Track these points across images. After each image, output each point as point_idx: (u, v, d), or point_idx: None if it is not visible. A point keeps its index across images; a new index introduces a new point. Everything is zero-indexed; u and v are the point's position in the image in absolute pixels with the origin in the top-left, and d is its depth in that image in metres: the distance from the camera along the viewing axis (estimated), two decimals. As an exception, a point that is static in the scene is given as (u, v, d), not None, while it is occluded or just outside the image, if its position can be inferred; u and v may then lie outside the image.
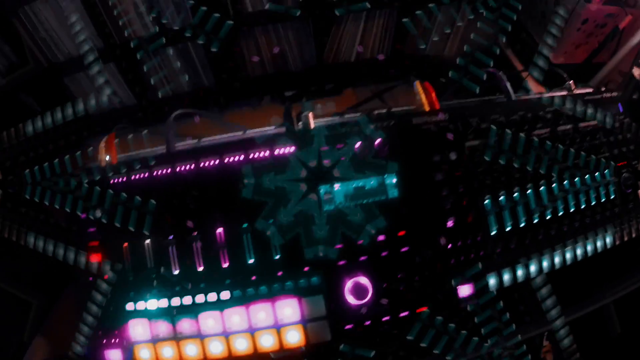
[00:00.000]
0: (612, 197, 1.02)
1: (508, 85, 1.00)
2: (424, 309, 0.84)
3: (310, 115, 0.88)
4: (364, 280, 0.83)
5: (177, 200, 0.83)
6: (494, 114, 0.92)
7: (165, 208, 0.84)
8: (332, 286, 0.82)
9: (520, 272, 0.91)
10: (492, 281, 0.89)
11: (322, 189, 0.83)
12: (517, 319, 0.91)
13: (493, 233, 0.89)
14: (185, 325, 0.83)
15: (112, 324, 0.86)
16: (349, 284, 0.82)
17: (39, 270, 1.07)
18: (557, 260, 0.94)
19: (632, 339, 1.15)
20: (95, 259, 0.86)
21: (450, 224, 0.86)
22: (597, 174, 1.00)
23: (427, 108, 0.91)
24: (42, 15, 1.18)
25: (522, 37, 1.44)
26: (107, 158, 0.90)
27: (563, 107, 0.98)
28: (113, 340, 0.86)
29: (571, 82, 1.08)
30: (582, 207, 0.97)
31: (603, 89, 1.10)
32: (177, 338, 0.84)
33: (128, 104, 1.25)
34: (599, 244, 0.99)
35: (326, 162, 0.83)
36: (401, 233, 0.83)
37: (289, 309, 0.82)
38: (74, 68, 1.23)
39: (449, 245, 0.86)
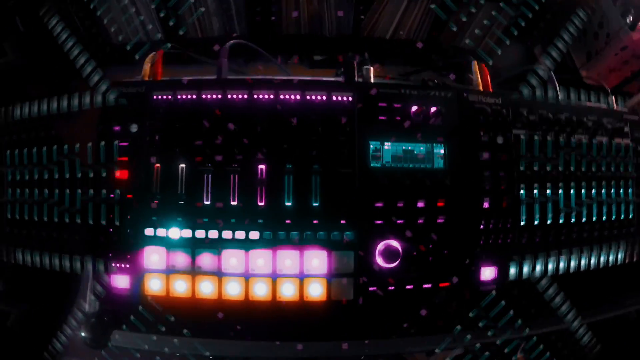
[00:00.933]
0: (630, 216, 1.08)
1: (557, 86, 1.04)
2: (447, 284, 0.85)
3: (371, 69, 0.87)
4: (396, 244, 0.82)
5: (222, 129, 0.80)
6: (543, 109, 0.95)
7: (208, 135, 0.80)
8: (364, 244, 0.80)
9: (538, 268, 0.94)
10: (512, 270, 0.92)
11: (372, 145, 0.83)
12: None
13: (522, 224, 0.92)
14: (206, 260, 0.79)
15: (125, 247, 0.81)
16: (380, 246, 0.81)
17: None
18: (572, 264, 0.98)
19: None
20: (122, 175, 0.81)
21: (486, 205, 0.87)
22: (621, 190, 1.06)
23: (481, 89, 0.93)
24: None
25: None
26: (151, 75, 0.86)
27: (603, 119, 1.03)
28: (123, 265, 0.81)
29: (613, 97, 1.13)
30: (604, 218, 1.03)
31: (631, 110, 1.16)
32: (194, 272, 0.79)
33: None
34: (611, 257, 1.04)
35: (382, 119, 0.83)
36: (440, 204, 0.83)
37: (317, 260, 0.79)
38: None
39: (482, 226, 0.87)
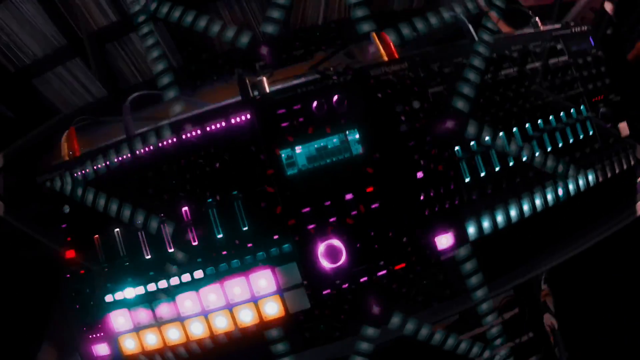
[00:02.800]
0: (590, 133, 1.00)
1: (470, 27, 0.98)
2: (402, 265, 0.83)
3: (265, 80, 0.86)
4: (336, 242, 0.81)
5: (140, 185, 0.82)
6: (457, 57, 0.89)
7: (130, 195, 0.83)
8: (304, 252, 0.80)
9: (500, 218, 0.89)
10: (471, 229, 0.87)
11: (283, 153, 0.82)
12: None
13: (467, 180, 0.87)
14: (164, 309, 0.82)
15: (94, 317, 0.85)
16: (321, 248, 0.80)
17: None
18: (538, 202, 0.92)
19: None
20: (70, 255, 0.86)
21: (420, 175, 0.84)
22: (572, 110, 0.98)
23: (385, 59, 0.89)
24: (1, 21, 1.20)
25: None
26: (69, 152, 0.90)
27: (529, 45, 0.96)
28: (98, 335, 0.86)
29: (537, 18, 1.04)
30: (560, 146, 0.95)
31: (572, 24, 1.06)
32: (158, 323, 0.83)
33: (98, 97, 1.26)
34: (581, 182, 0.96)
35: (284, 125, 0.82)
36: (369, 189, 0.81)
37: (264, 280, 0.80)
38: (41, 69, 1.26)
39: (421, 197, 0.84)
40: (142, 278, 0.83)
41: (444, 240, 0.84)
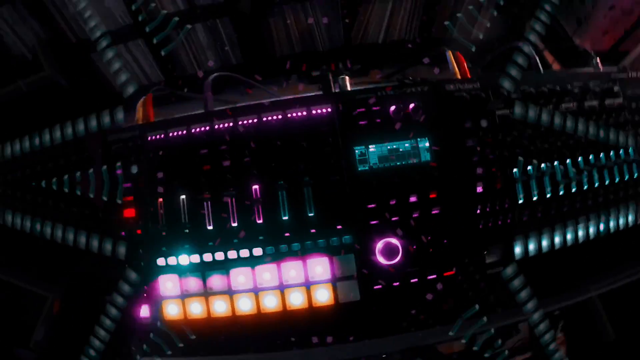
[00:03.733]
0: (635, 175, 1.05)
1: (537, 59, 1.04)
2: (452, 272, 0.86)
3: (347, 78, 0.90)
4: (394, 240, 0.84)
5: (214, 157, 0.84)
6: (524, 85, 0.94)
7: (201, 165, 0.85)
8: (363, 246, 0.83)
9: (545, 243, 0.93)
10: (517, 250, 0.91)
11: (357, 150, 0.85)
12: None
13: (520, 202, 0.92)
14: (216, 281, 0.84)
15: (142, 279, 0.87)
16: (379, 244, 0.83)
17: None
18: (580, 233, 0.97)
19: (628, 344, 1.15)
20: (129, 214, 0.87)
21: (479, 189, 0.88)
22: (621, 151, 1.03)
23: (458, 77, 0.94)
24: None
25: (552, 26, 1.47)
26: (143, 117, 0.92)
27: (590, 83, 1.01)
28: (142, 296, 0.87)
29: (597, 59, 1.11)
30: (607, 183, 1.00)
31: (629, 69, 1.13)
32: (206, 294, 0.84)
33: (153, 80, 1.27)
34: (621, 221, 1.01)
35: (362, 124, 0.86)
36: (432, 195, 0.85)
37: (320, 267, 0.83)
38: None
39: (478, 210, 0.88)
40: (200, 247, 0.84)
41: (492, 255, 0.88)
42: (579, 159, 0.96)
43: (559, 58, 1.33)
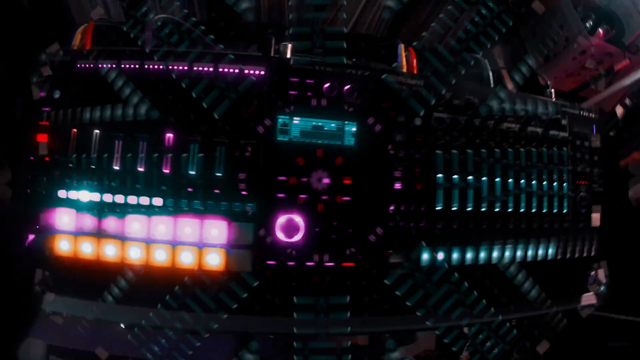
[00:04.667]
0: (564, 211, 1.04)
1: (490, 74, 1.02)
2: (351, 264, 0.84)
3: (289, 46, 0.88)
4: (297, 219, 0.82)
5: (136, 98, 0.82)
6: (470, 94, 0.92)
7: (122, 103, 0.83)
8: (264, 217, 0.81)
9: (455, 256, 0.92)
10: (425, 256, 0.89)
11: (281, 119, 0.83)
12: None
13: (438, 208, 0.90)
14: (111, 223, 0.81)
15: (40, 207, 0.84)
16: (281, 219, 0.81)
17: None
18: (495, 254, 0.94)
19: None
20: (42, 139, 0.84)
21: (397, 186, 0.86)
22: (555, 184, 1.02)
23: (404, 70, 0.92)
24: None
25: (518, 51, 1.47)
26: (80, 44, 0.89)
27: (538, 110, 1.00)
28: (35, 225, 0.84)
29: (552, 89, 1.10)
30: (533, 211, 0.99)
31: (582, 107, 1.12)
32: (99, 235, 0.82)
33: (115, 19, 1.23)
34: (540, 252, 1.00)
35: (292, 93, 0.84)
36: (347, 181, 0.83)
37: (216, 230, 0.80)
38: None
39: (391, 208, 0.86)
40: (103, 186, 0.82)
41: (395, 256, 0.86)
42: (510, 180, 0.95)
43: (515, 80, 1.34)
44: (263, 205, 0.81)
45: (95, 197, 0.81)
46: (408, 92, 0.87)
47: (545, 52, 1.41)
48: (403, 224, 0.85)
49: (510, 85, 1.06)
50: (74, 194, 0.82)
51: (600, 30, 1.30)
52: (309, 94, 0.83)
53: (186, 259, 0.81)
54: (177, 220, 0.81)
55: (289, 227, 0.81)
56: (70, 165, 0.82)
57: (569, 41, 1.33)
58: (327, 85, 0.84)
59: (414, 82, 0.90)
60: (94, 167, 0.82)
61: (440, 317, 0.88)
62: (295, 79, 0.83)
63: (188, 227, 0.80)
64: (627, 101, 1.39)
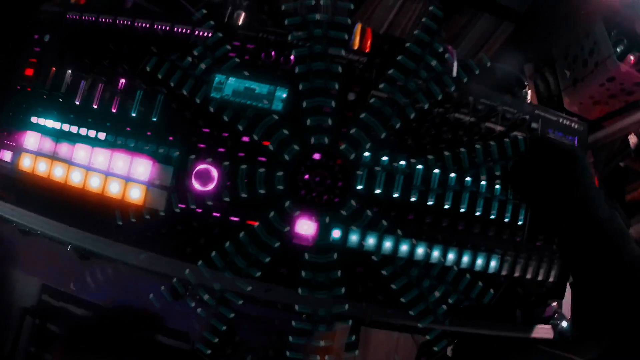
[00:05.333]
0: (519, 223, 0.91)
1: (455, 64, 0.96)
2: (255, 223, 0.84)
3: (243, 14, 0.93)
4: (213, 170, 0.85)
5: (106, 47, 0.92)
6: (419, 78, 0.87)
7: (94, 51, 0.94)
8: (184, 164, 0.86)
9: (371, 241, 0.86)
10: (336, 233, 0.86)
11: (217, 78, 0.88)
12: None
13: (359, 188, 0.86)
14: (63, 149, 0.93)
15: (16, 127, 0.97)
16: (198, 168, 0.85)
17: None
18: (420, 250, 0.87)
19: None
20: (28, 72, 1.00)
21: (317, 156, 0.85)
22: (509, 190, 0.91)
23: (355, 47, 0.92)
24: None
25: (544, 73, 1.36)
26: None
27: (500, 106, 0.91)
28: (9, 142, 0.98)
29: (529, 91, 0.99)
30: (477, 214, 0.89)
31: (563, 115, 0.99)
32: (53, 157, 0.94)
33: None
34: (479, 261, 0.89)
35: (231, 55, 0.88)
36: (265, 143, 0.84)
37: (142, 167, 0.87)
38: None
39: (306, 176, 0.85)
40: (64, 117, 0.94)
41: (305, 226, 0.84)
42: (452, 174, 0.88)
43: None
44: (186, 152, 0.86)
45: (57, 125, 0.95)
46: (347, 66, 0.87)
47: (572, 75, 1.29)
48: (315, 195, 0.85)
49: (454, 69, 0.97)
50: (42, 121, 0.96)
51: (632, 57, 1.16)
52: (247, 57, 0.88)
53: (114, 189, 0.89)
54: (112, 154, 0.90)
55: (202, 175, 0.84)
56: (45, 97, 0.97)
57: (598, 66, 1.21)
58: (267, 50, 0.88)
59: (356, 57, 0.89)
60: (61, 100, 0.96)
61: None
62: (237, 43, 0.88)
63: (120, 161, 0.88)
64: (644, 131, 1.21)
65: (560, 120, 0.98)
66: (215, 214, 0.85)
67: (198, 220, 0.86)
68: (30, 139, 0.97)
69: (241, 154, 0.85)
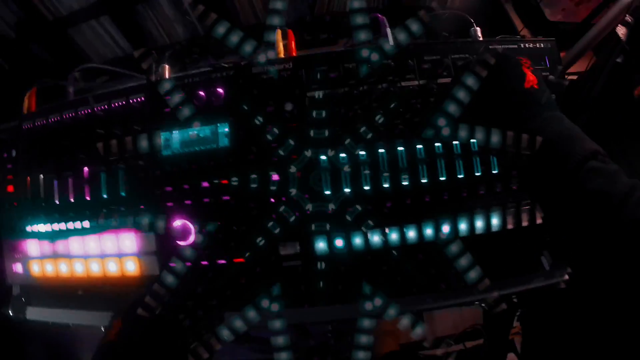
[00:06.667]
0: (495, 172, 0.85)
1: (389, 31, 0.91)
2: (241, 260, 0.86)
3: (167, 67, 0.94)
4: (187, 223, 0.87)
5: (59, 145, 0.97)
6: (348, 62, 0.84)
7: (53, 151, 0.98)
8: (160, 225, 0.88)
9: (358, 241, 0.84)
10: (321, 244, 0.85)
11: (163, 136, 0.90)
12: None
13: (327, 193, 0.84)
14: (60, 246, 1.00)
15: (16, 241, 1.05)
16: (174, 225, 0.88)
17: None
18: (394, 236, 0.84)
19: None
20: (10, 189, 1.07)
21: (275, 177, 0.84)
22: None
23: (281, 55, 0.90)
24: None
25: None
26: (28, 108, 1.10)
27: (448, 56, 0.84)
28: (17, 254, 1.06)
29: (475, 27, 0.91)
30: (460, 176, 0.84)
31: (529, 36, 0.91)
32: (55, 256, 1.01)
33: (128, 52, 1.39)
34: (479, 223, 0.84)
35: (167, 110, 0.89)
36: (224, 182, 0.85)
37: (128, 241, 0.92)
38: (76, 20, 1.42)
39: (272, 200, 0.85)
40: (51, 218, 1.00)
41: (289, 248, 0.85)
42: (419, 146, 0.83)
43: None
44: (158, 215, 0.88)
45: (48, 227, 1.01)
46: (275, 78, 0.86)
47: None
48: (286, 216, 0.85)
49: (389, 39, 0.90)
50: (35, 227, 1.03)
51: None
52: (180, 107, 0.89)
53: (112, 267, 0.94)
54: (101, 237, 0.95)
55: (179, 232, 0.87)
56: (29, 205, 1.05)
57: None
58: (197, 94, 0.89)
59: (282, 66, 0.87)
60: (44, 204, 1.02)
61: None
62: (168, 97, 0.89)
63: (109, 241, 0.94)
64: (629, 18, 1.08)
65: (522, 45, 0.91)
66: (203, 262, 0.88)
67: (193, 273, 0.85)
68: (32, 247, 1.05)
69: (206, 200, 0.87)
